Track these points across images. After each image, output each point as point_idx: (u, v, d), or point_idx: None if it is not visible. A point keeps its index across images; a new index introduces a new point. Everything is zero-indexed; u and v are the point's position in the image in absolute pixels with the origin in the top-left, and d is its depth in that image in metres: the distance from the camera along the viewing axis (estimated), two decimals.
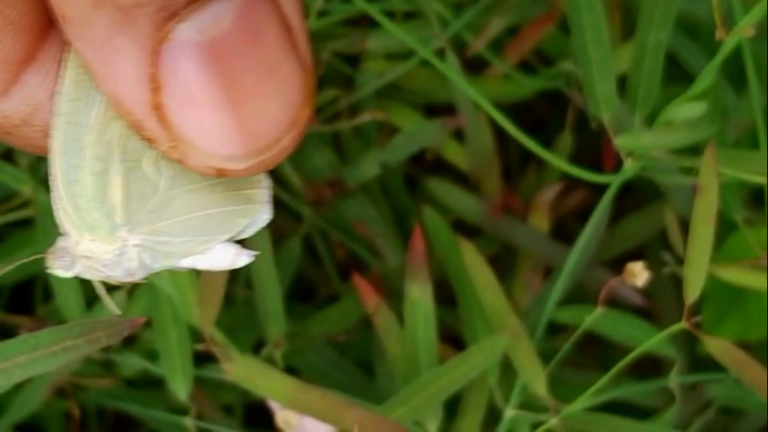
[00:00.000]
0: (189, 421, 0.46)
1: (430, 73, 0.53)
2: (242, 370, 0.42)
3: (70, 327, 0.35)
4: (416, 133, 0.51)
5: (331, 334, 0.46)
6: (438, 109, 0.54)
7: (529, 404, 0.47)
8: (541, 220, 0.54)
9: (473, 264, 0.46)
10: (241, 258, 0.17)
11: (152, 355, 0.47)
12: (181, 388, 0.45)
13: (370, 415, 0.42)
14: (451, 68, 0.49)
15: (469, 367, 0.45)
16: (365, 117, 0.52)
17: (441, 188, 0.53)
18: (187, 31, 0.14)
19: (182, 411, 0.46)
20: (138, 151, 0.16)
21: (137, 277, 0.18)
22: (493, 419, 0.47)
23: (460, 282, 0.48)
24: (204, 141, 0.15)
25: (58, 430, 0.49)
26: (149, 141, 0.15)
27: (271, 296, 0.46)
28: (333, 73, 0.55)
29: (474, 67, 0.54)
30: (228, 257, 0.17)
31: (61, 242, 0.17)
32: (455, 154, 0.53)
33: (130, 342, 0.48)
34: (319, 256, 0.53)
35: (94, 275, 0.18)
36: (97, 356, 0.47)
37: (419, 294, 0.46)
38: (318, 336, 0.45)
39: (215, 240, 0.17)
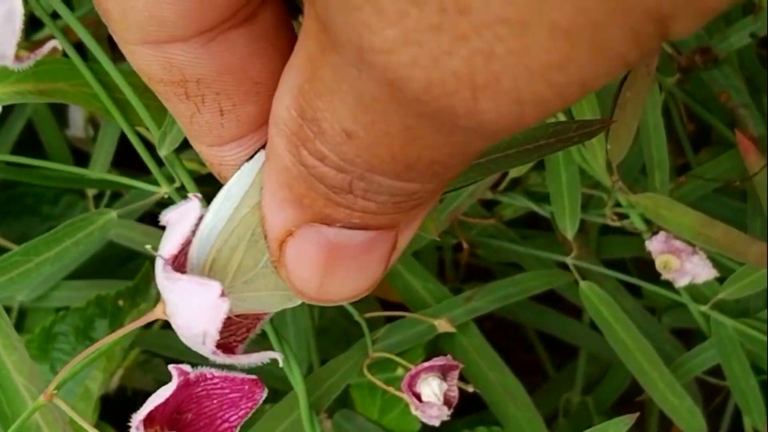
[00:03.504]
0: (570, 260, 0.49)
1: None
2: (650, 203, 0.45)
3: (545, 126, 0.38)
4: None
5: (724, 179, 0.48)
6: None
7: None
8: None
9: None
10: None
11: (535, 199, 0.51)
12: (568, 227, 0.48)
13: None
14: None
15: None
16: None
17: None
18: (330, 231, 0.20)
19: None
20: (260, 236, 0.22)
21: None
22: None
23: None
24: (294, 280, 0.21)
25: (433, 263, 0.52)
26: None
27: (656, 145, 0.48)
28: None
29: None
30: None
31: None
32: None
33: (512, 187, 0.51)
34: (674, 127, 0.55)
35: None
36: (483, 198, 0.50)
37: None
38: (713, 179, 0.47)
39: (265, 312, 0.25)
